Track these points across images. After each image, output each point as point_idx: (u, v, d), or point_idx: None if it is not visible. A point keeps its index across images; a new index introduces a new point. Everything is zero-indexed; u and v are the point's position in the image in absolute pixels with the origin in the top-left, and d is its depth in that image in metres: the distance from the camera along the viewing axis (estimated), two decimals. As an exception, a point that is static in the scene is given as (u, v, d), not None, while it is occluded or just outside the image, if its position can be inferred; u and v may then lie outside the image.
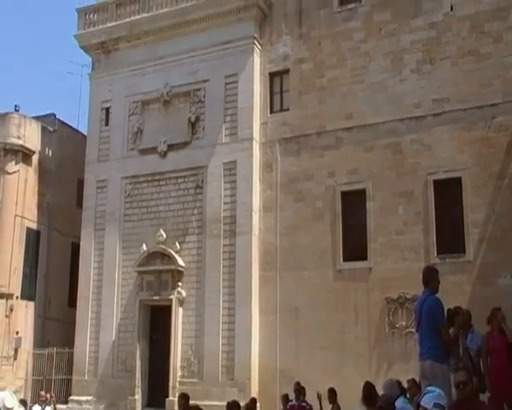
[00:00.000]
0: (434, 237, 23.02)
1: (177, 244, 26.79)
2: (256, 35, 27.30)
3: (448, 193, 23.25)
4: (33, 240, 31.18)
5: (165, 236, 27.06)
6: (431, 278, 10.26)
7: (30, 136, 31.58)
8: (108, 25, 30.09)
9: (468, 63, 23.63)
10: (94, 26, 30.55)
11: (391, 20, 25.27)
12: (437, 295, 10.10)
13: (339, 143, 25.18)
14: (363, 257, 24.03)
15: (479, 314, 13.04)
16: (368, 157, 24.53)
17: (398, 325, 23.07)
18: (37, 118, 32.63)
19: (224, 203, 26.32)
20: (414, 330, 13.31)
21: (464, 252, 22.52)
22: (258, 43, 27.31)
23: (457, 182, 23.02)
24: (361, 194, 24.42)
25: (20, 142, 30.91)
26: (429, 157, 23.58)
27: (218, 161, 26.73)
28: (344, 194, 24.83)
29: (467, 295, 21.29)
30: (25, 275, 30.50)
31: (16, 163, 30.74)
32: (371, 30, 25.56)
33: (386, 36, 25.23)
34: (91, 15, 30.79)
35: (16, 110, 31.82)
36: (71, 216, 31.62)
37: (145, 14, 29.28)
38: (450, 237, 22.89)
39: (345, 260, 24.38)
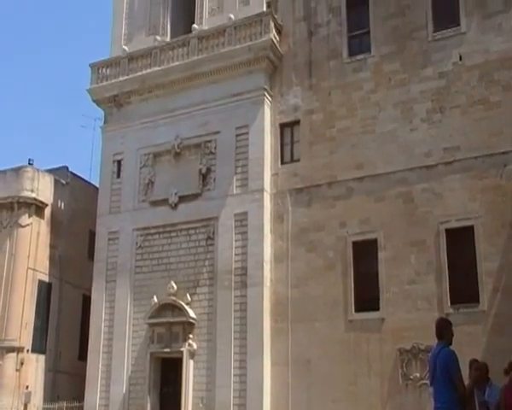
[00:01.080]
0: (447, 287, 22.70)
1: (188, 296, 26.63)
2: (266, 87, 27.56)
3: (460, 242, 23.02)
4: (45, 293, 31.16)
5: (176, 287, 26.92)
6: (445, 330, 10.03)
7: (43, 189, 31.86)
8: (121, 79, 30.52)
9: (479, 112, 23.66)
10: (106, 80, 31.00)
11: (400, 70, 25.45)
12: (451, 347, 9.88)
13: (350, 193, 25.13)
14: (376, 307, 23.72)
15: (495, 366, 12.76)
16: (379, 207, 24.42)
17: (411, 377, 22.62)
18: (50, 171, 32.98)
19: (235, 254, 26.21)
20: (428, 382, 12.98)
21: (478, 302, 22.16)
22: (269, 94, 27.54)
23: (470, 231, 22.80)
24: (373, 244, 24.25)
25: (34, 195, 31.20)
26: (441, 206, 23.44)
27: (229, 213, 26.72)
28: (355, 244, 24.66)
29: (482, 347, 20.91)
30: (36, 328, 30.40)
31: (29, 216, 30.98)
32: (381, 80, 25.71)
33: (396, 86, 25.38)
34: (104, 70, 31.27)
35: (30, 164, 32.21)
36: (82, 268, 31.62)
37: (157, 68, 29.68)
38: (463, 287, 22.56)
39: (357, 310, 24.07)
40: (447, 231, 23.16)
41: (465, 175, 23.30)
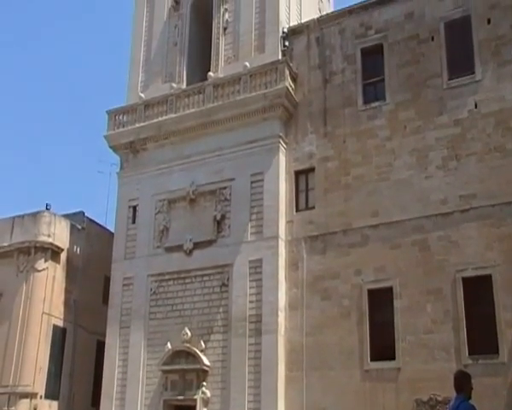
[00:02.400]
0: (465, 337, 22.34)
1: (202, 343, 26.46)
2: (281, 134, 27.67)
3: (478, 291, 22.74)
4: (59, 338, 31.09)
5: (190, 334, 26.76)
6: (464, 383, 9.87)
7: (59, 234, 32.02)
8: (137, 125, 30.80)
9: (495, 159, 23.59)
10: (123, 127, 31.30)
11: (415, 118, 25.49)
12: (471, 401, 9.69)
13: (365, 240, 25.00)
14: (392, 357, 23.40)
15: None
16: (395, 254, 24.24)
17: (429, 429, 22.19)
18: (66, 216, 33.20)
19: (250, 302, 26.07)
20: (445, 436, 12.71)
21: (498, 353, 21.77)
22: (284, 141, 27.65)
23: (487, 279, 22.53)
24: (388, 292, 24.02)
25: (50, 240, 31.37)
26: (457, 254, 23.22)
27: (244, 259, 26.63)
28: (371, 292, 24.45)
29: (503, 400, 20.55)
30: (49, 373, 30.25)
31: (45, 261, 31.10)
32: (396, 127, 25.75)
33: (411, 133, 25.40)
34: (121, 116, 31.59)
35: (47, 209, 32.45)
36: (97, 313, 31.56)
37: (172, 115, 29.93)
38: (482, 337, 22.22)
39: (372, 359, 23.74)
40: (464, 279, 22.89)
41: (482, 223, 23.11)
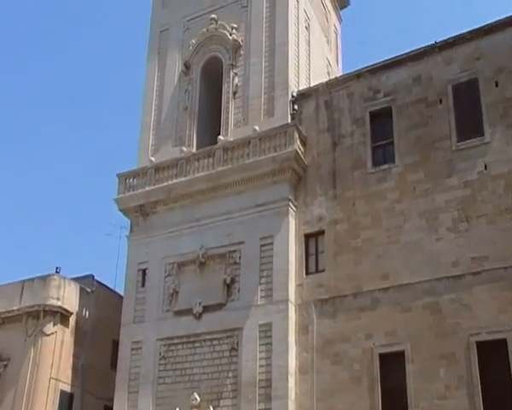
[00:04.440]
0: (481, 403, 21.84)
1: (212, 408, 26.02)
2: (291, 197, 27.69)
3: (493, 355, 22.29)
4: (66, 403, 30.73)
5: (199, 399, 26.35)
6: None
7: (68, 297, 31.95)
8: (147, 188, 30.89)
9: (506, 221, 23.48)
10: (133, 190, 31.40)
11: (425, 180, 25.49)
12: None
13: (375, 303, 24.71)
14: (405, 423, 22.84)
15: None
16: (406, 318, 23.91)
17: None
18: (76, 279, 33.17)
19: (260, 366, 25.67)
20: None
21: (515, 419, 21.27)
22: (293, 204, 27.64)
23: (502, 344, 22.14)
24: (400, 356, 23.59)
25: (59, 303, 31.30)
26: (470, 318, 22.87)
27: (254, 323, 26.34)
28: (382, 356, 24.02)
29: None
30: (56, 440, 29.78)
31: (54, 324, 30.97)
32: (405, 190, 25.72)
33: (421, 195, 25.36)
34: (131, 180, 31.75)
35: (57, 272, 32.48)
36: (104, 378, 31.20)
37: (182, 178, 30.05)
38: (498, 403, 21.72)
39: (384, 426, 23.20)
40: (478, 343, 22.51)
41: (494, 286, 22.84)
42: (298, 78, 31.04)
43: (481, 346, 22.45)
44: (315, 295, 26.13)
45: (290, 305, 26.10)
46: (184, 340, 27.83)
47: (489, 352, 22.30)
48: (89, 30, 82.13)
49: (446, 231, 24.40)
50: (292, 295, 26.31)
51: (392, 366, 23.84)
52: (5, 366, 30.67)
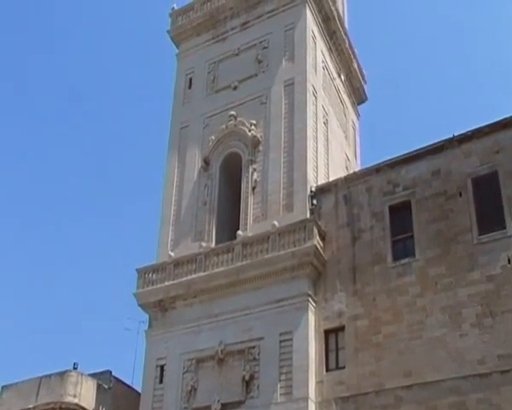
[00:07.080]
0: None
1: None
2: (310, 292, 27.40)
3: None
4: None
5: None
6: None
7: (85, 394, 31.35)
8: (166, 283, 30.74)
9: (533, 317, 22.88)
10: (152, 285, 31.25)
11: (446, 274, 25.16)
12: None
13: (398, 402, 23.97)
14: None
15: None
16: (431, 417, 23.11)
17: None
18: (93, 375, 32.58)
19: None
20: None
21: None
22: (313, 300, 27.33)
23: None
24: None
25: (76, 400, 30.72)
26: (500, 419, 22.02)
27: (275, 416, 25.71)
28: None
29: None
30: None
31: (68, 419, 30.23)
32: (427, 284, 25.36)
33: (443, 290, 24.97)
34: (150, 275, 31.65)
35: (75, 368, 32.01)
36: None
37: (201, 274, 29.93)
38: None
39: None
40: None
41: (524, 385, 22.10)
42: (316, 173, 31.29)
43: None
44: (336, 392, 25.46)
45: (310, 403, 25.43)
46: (204, 445, 27.21)
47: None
48: (111, 126, 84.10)
49: (470, 326, 23.86)
50: (312, 393, 25.67)
51: None
52: None
